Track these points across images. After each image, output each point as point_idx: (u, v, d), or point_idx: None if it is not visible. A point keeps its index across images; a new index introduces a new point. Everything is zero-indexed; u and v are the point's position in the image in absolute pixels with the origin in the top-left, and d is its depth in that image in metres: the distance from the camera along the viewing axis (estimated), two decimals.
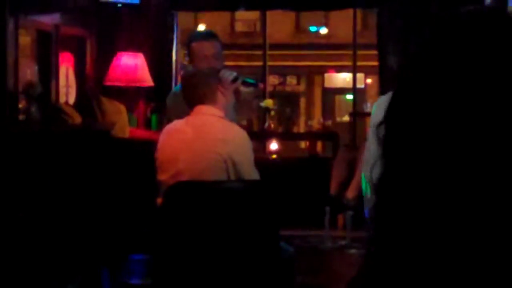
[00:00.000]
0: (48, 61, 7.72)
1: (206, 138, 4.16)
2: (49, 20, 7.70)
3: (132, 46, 8.24)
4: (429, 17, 7.28)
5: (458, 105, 0.94)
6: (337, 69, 20.57)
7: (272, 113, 8.57)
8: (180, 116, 4.34)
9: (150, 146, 4.52)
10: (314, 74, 21.87)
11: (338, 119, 20.58)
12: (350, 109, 10.58)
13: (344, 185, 7.06)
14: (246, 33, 20.32)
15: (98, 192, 5.62)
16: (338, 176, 7.14)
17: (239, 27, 20.94)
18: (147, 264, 5.26)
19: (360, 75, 12.44)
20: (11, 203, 5.27)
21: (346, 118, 16.98)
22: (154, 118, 8.11)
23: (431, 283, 0.93)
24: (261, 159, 5.83)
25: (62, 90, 8.03)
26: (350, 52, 9.46)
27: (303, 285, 5.60)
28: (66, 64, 8.15)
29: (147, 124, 8.22)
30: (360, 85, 13.59)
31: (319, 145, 11.43)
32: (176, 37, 8.46)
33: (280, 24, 17.17)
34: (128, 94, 8.18)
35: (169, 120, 4.52)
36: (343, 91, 19.77)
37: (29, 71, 7.37)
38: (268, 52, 9.36)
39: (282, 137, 9.18)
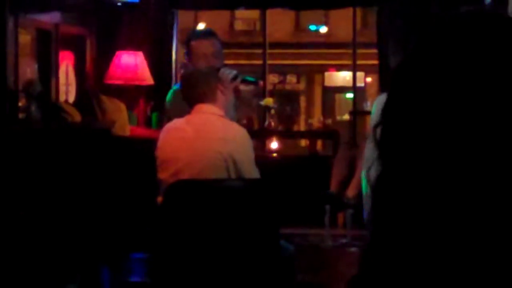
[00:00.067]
0: (48, 60, 7.72)
1: (207, 137, 4.16)
2: (49, 18, 7.71)
3: (132, 45, 8.24)
4: (429, 16, 7.28)
5: (454, 105, 0.94)
6: (337, 67, 20.57)
7: (272, 111, 8.57)
8: (180, 115, 4.34)
9: (150, 145, 4.52)
10: (314, 72, 21.87)
11: (338, 117, 20.59)
12: (350, 108, 10.58)
13: (345, 183, 7.06)
14: (246, 31, 20.32)
15: (98, 191, 5.62)
16: (338, 175, 7.14)
17: (239, 25, 20.94)
18: (147, 262, 5.26)
19: (360, 74, 12.45)
20: (12, 201, 5.27)
21: (346, 116, 16.98)
22: (154, 117, 8.11)
23: (429, 283, 0.93)
24: (261, 158, 5.82)
25: (62, 88, 8.03)
26: (350, 51, 9.46)
27: (303, 283, 5.60)
28: (66, 62, 8.15)
29: (147, 123, 8.23)
30: (360, 83, 13.61)
31: (319, 143, 11.42)
32: (176, 36, 8.46)
33: (280, 22, 17.16)
34: (128, 93, 8.18)
35: (169, 119, 4.51)
36: (343, 89, 19.77)
37: (29, 70, 7.37)
38: (268, 51, 9.35)
39: (282, 136, 9.18)
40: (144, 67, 8.20)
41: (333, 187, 7.11)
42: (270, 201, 4.11)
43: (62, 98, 7.94)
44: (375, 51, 8.23)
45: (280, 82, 21.67)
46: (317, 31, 21.03)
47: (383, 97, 2.70)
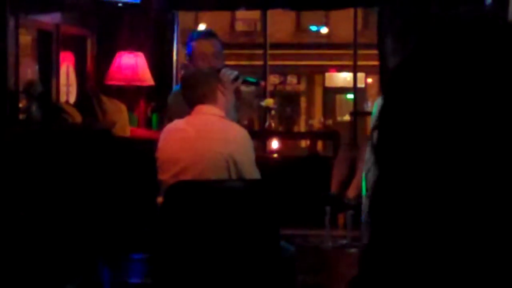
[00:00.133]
0: (48, 60, 7.72)
1: (207, 138, 4.16)
2: (49, 19, 7.71)
3: (133, 45, 8.24)
4: (429, 17, 7.29)
5: (451, 109, 0.94)
6: (337, 68, 20.58)
7: (273, 112, 8.58)
8: (181, 116, 4.34)
9: (150, 146, 4.53)
10: (315, 73, 21.87)
11: (338, 118, 20.58)
12: (351, 109, 10.59)
13: (345, 184, 7.06)
14: (246, 32, 20.33)
15: (98, 191, 5.62)
16: (338, 175, 7.14)
17: (239, 26, 20.94)
18: (147, 263, 5.26)
19: (360, 75, 12.45)
20: (12, 202, 5.27)
21: (347, 117, 16.97)
22: (154, 117, 8.12)
23: (428, 284, 0.93)
24: (262, 158, 5.83)
25: (63, 89, 8.03)
26: (351, 52, 9.46)
27: (304, 285, 5.61)
28: (66, 63, 8.15)
29: (148, 124, 8.23)
30: (360, 84, 13.60)
31: (319, 144, 11.43)
32: (177, 37, 8.46)
33: (280, 23, 17.16)
34: (128, 93, 8.19)
35: (170, 120, 4.51)
36: (343, 90, 19.77)
37: (29, 70, 7.37)
38: (269, 52, 9.36)
39: (282, 136, 9.19)
40: (145, 68, 8.20)
41: (334, 188, 7.11)
42: (270, 202, 4.11)
43: (62, 98, 7.94)
44: (376, 52, 8.23)
45: (280, 83, 21.67)
46: (317, 31, 21.04)
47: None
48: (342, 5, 9.00)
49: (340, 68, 20.03)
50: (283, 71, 20.67)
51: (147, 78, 8.20)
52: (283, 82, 21.84)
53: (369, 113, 8.98)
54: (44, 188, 5.40)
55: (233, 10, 14.42)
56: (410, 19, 7.62)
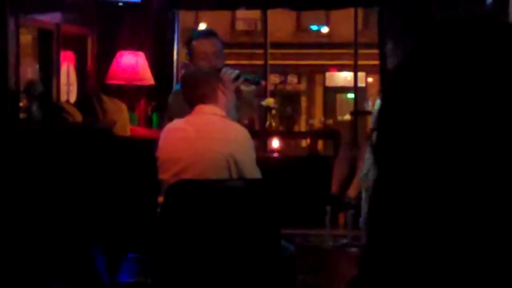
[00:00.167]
0: (49, 60, 7.72)
1: (208, 137, 4.16)
2: (50, 18, 7.71)
3: (133, 45, 8.25)
4: (430, 16, 7.28)
5: (449, 110, 0.94)
6: (338, 68, 20.56)
7: (273, 112, 8.57)
8: (181, 115, 4.34)
9: (151, 145, 4.53)
10: (315, 73, 21.86)
11: (339, 117, 20.56)
12: (351, 108, 10.58)
13: (345, 183, 7.07)
14: (247, 32, 20.31)
15: (99, 191, 5.62)
16: (339, 175, 7.14)
17: (240, 26, 20.92)
18: (148, 263, 5.26)
19: (361, 74, 12.44)
20: (13, 202, 5.27)
21: (347, 116, 16.95)
22: (155, 117, 8.12)
23: (426, 284, 0.94)
24: (263, 158, 5.83)
25: (63, 88, 8.03)
26: (351, 51, 9.47)
27: (304, 284, 5.61)
28: (67, 62, 8.15)
29: (148, 123, 8.23)
30: (361, 84, 13.59)
31: (320, 143, 11.42)
32: (177, 36, 8.46)
33: (281, 23, 17.15)
34: (129, 93, 8.20)
35: (170, 119, 4.51)
36: (344, 90, 19.76)
37: (30, 70, 7.37)
38: (269, 51, 9.36)
39: (283, 136, 9.19)
40: (145, 67, 8.21)
41: (334, 187, 7.12)
42: (271, 201, 4.11)
43: (63, 98, 7.94)
44: (376, 51, 8.24)
45: (281, 82, 21.66)
46: (318, 31, 21.02)
47: None
48: (342, 4, 9.01)
49: (341, 68, 20.01)
50: (283, 71, 20.66)
51: (147, 78, 8.20)
52: (283, 82, 21.83)
53: (370, 113, 8.97)
54: (44, 187, 5.40)
55: (234, 10, 14.41)
56: (410, 19, 7.62)
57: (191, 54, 4.89)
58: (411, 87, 0.97)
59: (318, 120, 20.94)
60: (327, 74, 21.63)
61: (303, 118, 21.75)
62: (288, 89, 21.91)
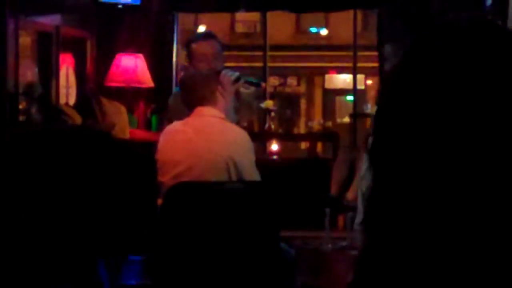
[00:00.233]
0: (48, 62, 7.72)
1: (207, 140, 4.16)
2: (49, 21, 7.71)
3: (133, 47, 8.24)
4: (429, 18, 7.28)
5: (444, 114, 0.94)
6: (337, 70, 20.57)
7: (273, 114, 8.57)
8: (181, 117, 4.34)
9: (150, 147, 4.52)
10: (315, 75, 21.87)
11: (338, 120, 20.57)
12: (351, 110, 10.57)
13: (345, 186, 7.06)
14: (246, 34, 20.32)
15: (98, 193, 5.61)
16: (338, 177, 7.14)
17: (239, 28, 20.93)
18: (147, 265, 5.26)
19: (360, 76, 12.43)
20: (12, 204, 5.27)
21: (347, 119, 16.97)
22: (154, 119, 8.12)
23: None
24: (262, 160, 5.82)
25: (63, 91, 8.03)
26: (351, 53, 9.46)
27: (304, 286, 5.60)
28: (66, 65, 8.15)
29: (147, 125, 8.23)
30: (360, 86, 13.57)
31: (319, 146, 11.42)
32: (177, 38, 8.46)
33: (280, 25, 17.16)
34: (128, 95, 8.19)
35: (170, 121, 4.52)
36: (343, 92, 19.76)
37: (29, 72, 7.37)
38: (269, 53, 9.36)
39: (282, 138, 9.17)
40: (145, 70, 8.20)
41: (333, 189, 7.11)
42: (270, 204, 4.11)
43: (62, 100, 7.94)
44: (375, 53, 8.23)
45: (280, 85, 21.67)
46: (317, 33, 21.03)
47: None
48: (341, 7, 9.01)
49: (340, 70, 20.02)
50: (283, 73, 20.66)
51: (146, 80, 8.20)
52: (283, 84, 21.84)
53: (369, 115, 8.97)
54: (43, 190, 5.40)
55: (233, 12, 14.42)
56: (410, 21, 7.62)
57: (190, 56, 4.90)
58: (406, 91, 0.97)
59: (317, 122, 20.94)
60: (327, 76, 21.65)
61: (302, 120, 21.76)
62: (287, 91, 21.92)
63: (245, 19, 20.07)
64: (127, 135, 7.53)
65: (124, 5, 8.23)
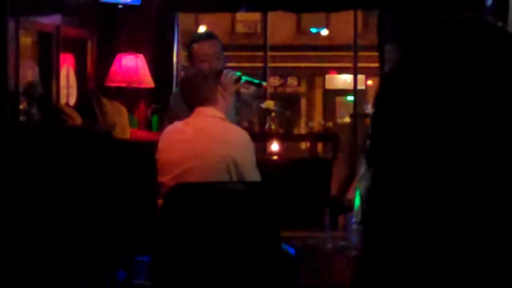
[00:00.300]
0: (48, 62, 7.72)
1: (208, 140, 4.16)
2: (50, 21, 7.71)
3: (133, 47, 8.24)
4: (430, 18, 7.28)
5: (441, 116, 0.94)
6: (338, 70, 20.59)
7: (273, 114, 8.57)
8: (182, 117, 4.34)
9: (150, 147, 4.52)
10: (315, 75, 21.88)
11: (338, 120, 20.59)
12: (351, 111, 10.57)
13: (345, 186, 7.06)
14: (247, 34, 20.33)
15: (98, 193, 5.61)
16: (338, 177, 7.14)
17: (240, 28, 20.95)
18: (148, 265, 5.26)
19: (361, 77, 12.44)
20: (13, 204, 5.26)
21: (347, 119, 16.97)
22: (154, 119, 8.11)
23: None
24: (262, 160, 5.82)
25: (63, 91, 8.03)
26: (351, 54, 9.47)
27: (304, 287, 5.60)
28: (67, 65, 8.15)
29: (148, 125, 8.23)
30: (361, 86, 13.58)
31: (319, 146, 11.42)
32: (177, 38, 8.46)
33: (281, 25, 17.16)
34: (128, 95, 8.19)
35: (170, 121, 4.51)
36: (344, 92, 19.78)
37: (30, 72, 7.37)
38: (269, 54, 9.36)
39: (282, 138, 9.18)
40: (145, 70, 8.20)
41: (334, 190, 7.12)
42: (270, 204, 4.10)
43: (63, 100, 7.94)
44: (376, 53, 8.23)
45: (281, 85, 21.68)
46: (318, 33, 21.05)
47: None
48: (342, 7, 9.00)
49: (340, 70, 20.04)
50: (283, 73, 20.68)
51: (147, 80, 8.20)
52: (283, 84, 21.85)
53: (369, 115, 8.96)
54: (44, 190, 5.40)
55: (234, 12, 14.43)
56: (410, 21, 7.62)
57: (191, 57, 4.90)
58: (403, 92, 0.97)
59: (317, 123, 20.96)
60: (327, 76, 21.66)
61: (302, 120, 21.78)
62: (288, 91, 21.93)
63: (245, 19, 20.08)
64: (127, 135, 7.53)
65: (124, 5, 8.23)
